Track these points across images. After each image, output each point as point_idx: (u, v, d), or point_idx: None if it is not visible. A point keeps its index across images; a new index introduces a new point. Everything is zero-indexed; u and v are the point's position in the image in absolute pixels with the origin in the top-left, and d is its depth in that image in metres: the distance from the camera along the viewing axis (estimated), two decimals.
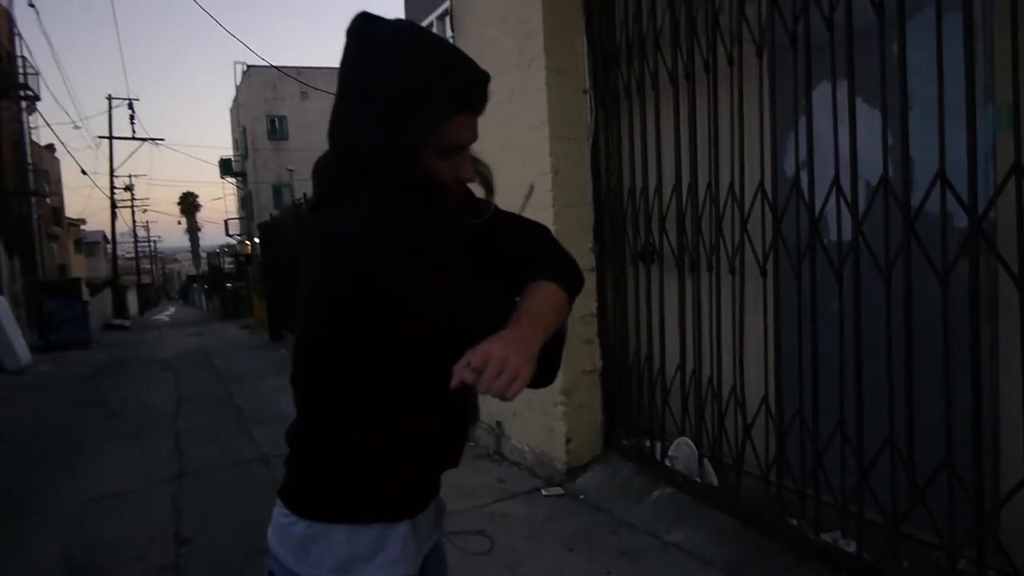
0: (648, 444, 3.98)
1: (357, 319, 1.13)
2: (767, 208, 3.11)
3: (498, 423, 5.00)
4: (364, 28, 1.17)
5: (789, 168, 3.08)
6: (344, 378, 1.20)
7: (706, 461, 3.58)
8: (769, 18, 3.03)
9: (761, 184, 3.13)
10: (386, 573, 1.24)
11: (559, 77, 4.19)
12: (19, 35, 21.35)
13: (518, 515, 3.92)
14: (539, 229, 1.41)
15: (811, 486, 2.97)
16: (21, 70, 20.89)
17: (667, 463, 3.81)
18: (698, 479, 3.60)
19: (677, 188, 3.67)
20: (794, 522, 3.05)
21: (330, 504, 1.23)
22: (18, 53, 21.07)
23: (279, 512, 1.27)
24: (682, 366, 3.72)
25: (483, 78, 1.19)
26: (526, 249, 1.34)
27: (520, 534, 3.66)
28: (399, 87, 1.12)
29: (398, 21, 1.19)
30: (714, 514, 3.38)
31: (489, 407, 5.15)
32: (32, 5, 38.73)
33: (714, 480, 3.53)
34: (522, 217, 1.45)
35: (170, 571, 3.60)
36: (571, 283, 1.31)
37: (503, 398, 1.02)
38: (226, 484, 5.01)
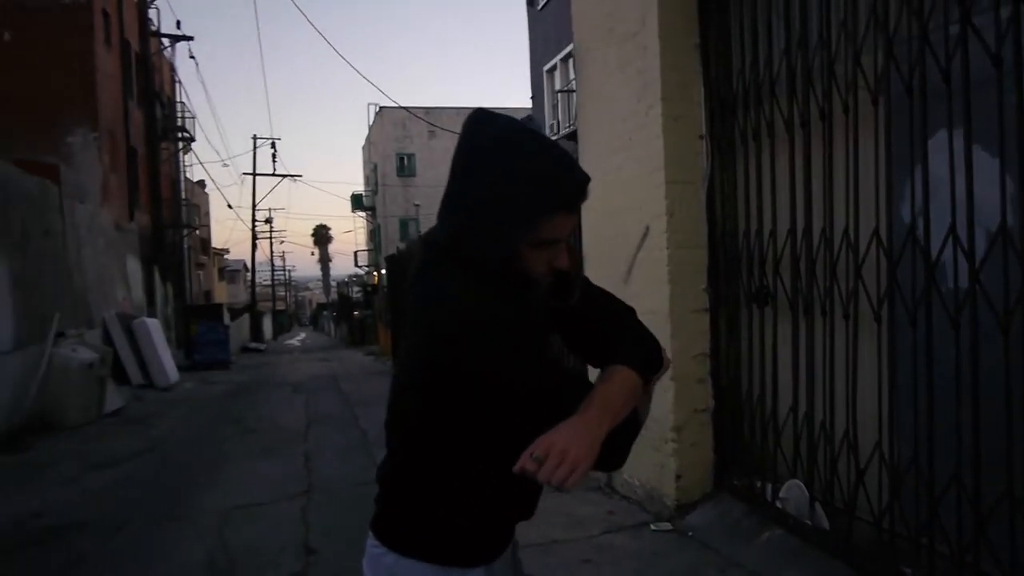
0: (759, 485, 3.99)
1: (448, 393, 1.26)
2: (882, 254, 3.13)
3: None
4: (474, 127, 1.29)
5: (905, 215, 3.09)
6: (434, 433, 1.32)
7: (817, 505, 3.57)
8: (885, 68, 3.08)
9: (876, 230, 3.15)
10: None
11: (676, 123, 4.33)
12: (179, 82, 23.41)
13: (626, 548, 4.01)
14: (624, 308, 1.50)
15: (926, 535, 2.93)
16: (180, 114, 22.88)
17: (778, 505, 3.81)
18: (809, 522, 3.59)
19: (792, 232, 3.72)
20: (908, 571, 3.01)
21: (414, 541, 1.35)
22: (178, 99, 23.10)
23: (371, 543, 1.41)
24: (795, 408, 3.73)
25: (583, 181, 1.28)
26: (609, 327, 1.44)
27: (627, 567, 3.75)
28: (491, 194, 1.24)
29: (506, 122, 1.28)
30: (824, 559, 3.37)
31: None
32: (192, 57, 42.51)
33: (825, 524, 3.51)
34: (610, 295, 1.52)
35: None
36: (649, 366, 1.38)
37: (560, 489, 1.13)
38: (350, 501, 5.34)
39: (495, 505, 1.37)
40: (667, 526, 4.24)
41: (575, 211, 1.30)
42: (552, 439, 1.15)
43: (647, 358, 1.39)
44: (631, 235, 4.70)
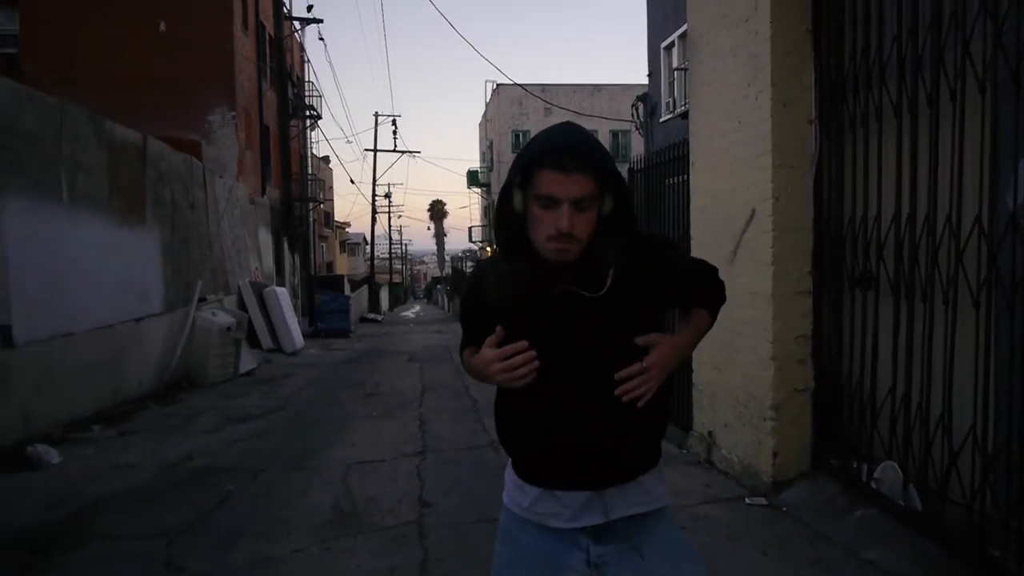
0: (855, 465, 4.08)
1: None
2: (983, 241, 3.17)
3: (710, 432, 5.26)
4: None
5: (1008, 202, 3.11)
6: None
7: (911, 486, 3.64)
8: (993, 57, 3.09)
9: (978, 218, 3.18)
10: (505, 497, 1.78)
11: (785, 108, 4.40)
12: (309, 63, 24.57)
13: (720, 518, 4.19)
14: (705, 269, 1.84)
15: (1016, 519, 2.99)
16: (308, 93, 24.03)
17: (872, 485, 3.89)
18: (902, 503, 3.67)
19: (896, 217, 3.76)
20: (997, 554, 3.08)
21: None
22: (307, 79, 24.26)
23: None
24: (892, 390, 3.79)
25: (563, 144, 1.52)
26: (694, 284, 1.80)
27: (719, 534, 3.94)
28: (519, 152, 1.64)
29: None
30: (915, 538, 3.46)
31: (702, 417, 5.42)
32: (321, 39, 44.29)
33: (918, 505, 3.58)
34: (687, 268, 1.82)
35: (415, 526, 4.30)
36: (716, 306, 1.82)
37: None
38: (462, 462, 5.73)
39: (516, 433, 1.70)
40: (762, 501, 4.38)
41: (566, 172, 1.50)
42: (658, 358, 1.61)
43: (717, 300, 1.82)
44: (738, 217, 4.81)
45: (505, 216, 1.62)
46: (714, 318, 1.81)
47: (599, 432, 1.60)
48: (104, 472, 5.62)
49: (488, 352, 1.63)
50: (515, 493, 1.74)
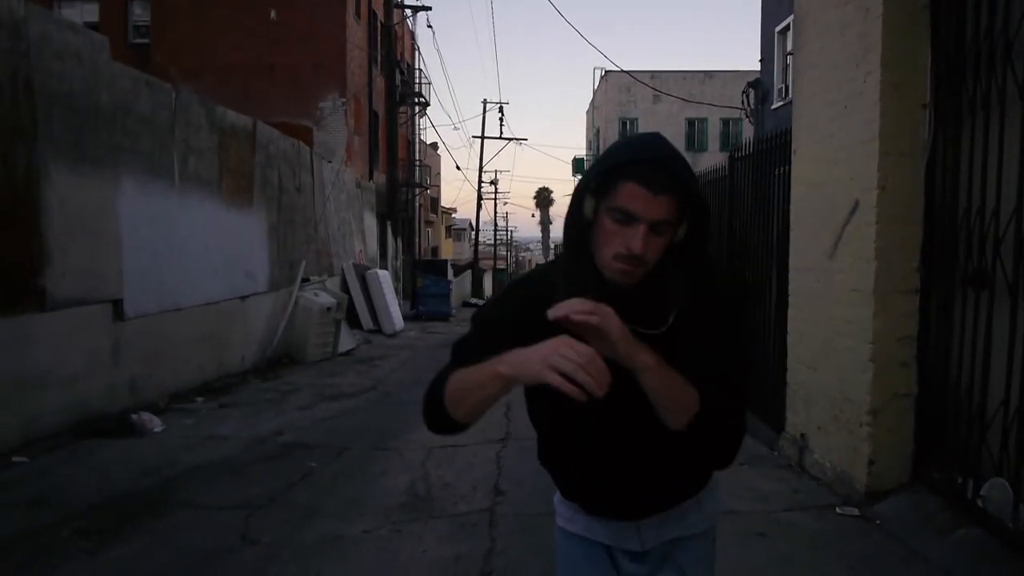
0: (960, 480, 3.74)
1: None
2: None
3: (802, 435, 4.98)
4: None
5: None
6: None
7: (1022, 506, 3.30)
8: None
9: None
10: (557, 509, 1.67)
11: (896, 91, 4.07)
12: (418, 50, 24.95)
13: (807, 526, 3.94)
14: (728, 366, 1.45)
15: None
16: (417, 80, 24.42)
17: (978, 503, 3.56)
18: (1011, 524, 3.33)
19: (1018, 210, 3.40)
20: None
21: None
22: (416, 66, 24.65)
23: None
24: (1006, 401, 3.44)
25: (646, 157, 1.32)
26: (704, 372, 1.38)
27: (803, 544, 3.70)
28: (601, 154, 1.43)
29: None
30: (1023, 562, 3.13)
31: (795, 419, 5.13)
32: (430, 26, 44.93)
33: None
34: (731, 343, 1.48)
35: (486, 514, 4.25)
36: (713, 423, 1.38)
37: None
38: None
39: (551, 457, 1.60)
40: (854, 511, 4.10)
41: (652, 190, 1.31)
42: (617, 325, 1.26)
43: (718, 420, 1.40)
44: (840, 208, 4.50)
45: (575, 219, 1.42)
46: (702, 416, 1.36)
47: (635, 472, 1.49)
48: (200, 443, 5.86)
49: (584, 348, 1.22)
50: (560, 507, 1.67)
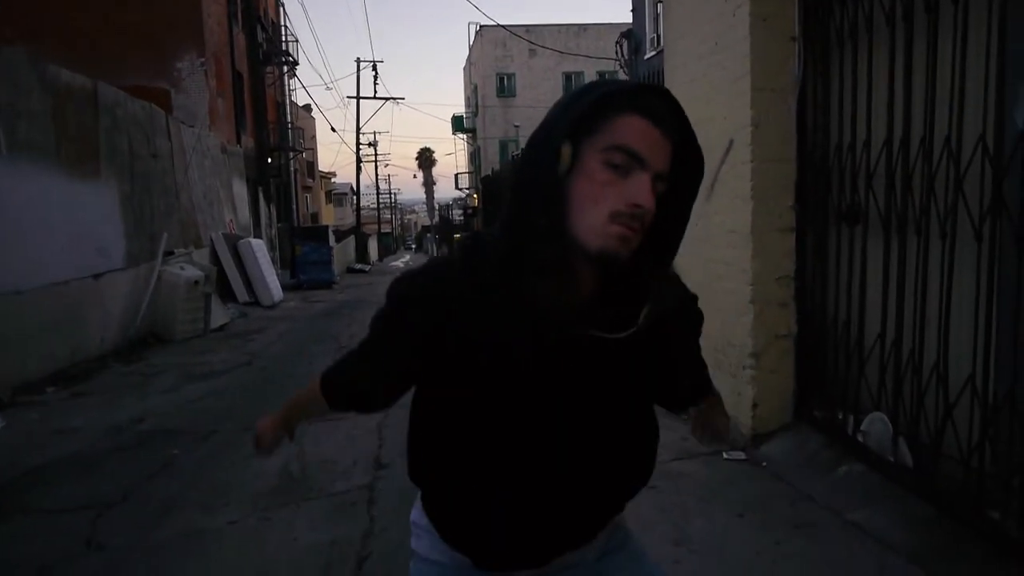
0: (840, 416, 3.74)
1: None
2: (987, 165, 2.77)
3: None
4: None
5: (1018, 120, 2.70)
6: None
7: (901, 440, 3.31)
8: None
9: (983, 137, 2.78)
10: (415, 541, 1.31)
11: (765, 24, 3.95)
12: (282, 6, 23.65)
13: (695, 475, 3.87)
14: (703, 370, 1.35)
15: (1018, 477, 2.66)
16: (283, 38, 23.17)
17: (859, 438, 3.56)
18: (891, 458, 3.34)
19: (888, 142, 3.35)
20: (995, 515, 2.75)
21: None
22: (282, 23, 23.37)
23: None
24: (882, 336, 3.43)
25: (658, 88, 1.06)
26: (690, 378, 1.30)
27: (693, 494, 3.62)
28: (560, 101, 1.08)
29: None
30: (905, 497, 3.13)
31: None
32: None
33: (909, 461, 3.25)
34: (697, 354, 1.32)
35: (366, 491, 3.97)
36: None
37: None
38: None
39: (452, 483, 1.21)
40: (740, 455, 4.06)
41: (661, 126, 1.01)
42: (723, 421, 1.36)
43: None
44: (715, 149, 4.39)
45: (538, 181, 1.03)
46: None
47: (569, 511, 1.17)
48: (47, 438, 5.27)
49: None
50: (431, 544, 1.28)
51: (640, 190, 1.00)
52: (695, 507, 3.47)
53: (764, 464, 3.91)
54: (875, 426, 3.47)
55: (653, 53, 15.57)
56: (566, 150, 1.01)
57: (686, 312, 1.22)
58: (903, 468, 3.26)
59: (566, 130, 1.01)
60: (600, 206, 1.01)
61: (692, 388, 1.31)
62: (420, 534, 1.29)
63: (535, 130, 1.08)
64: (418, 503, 1.30)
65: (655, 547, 3.07)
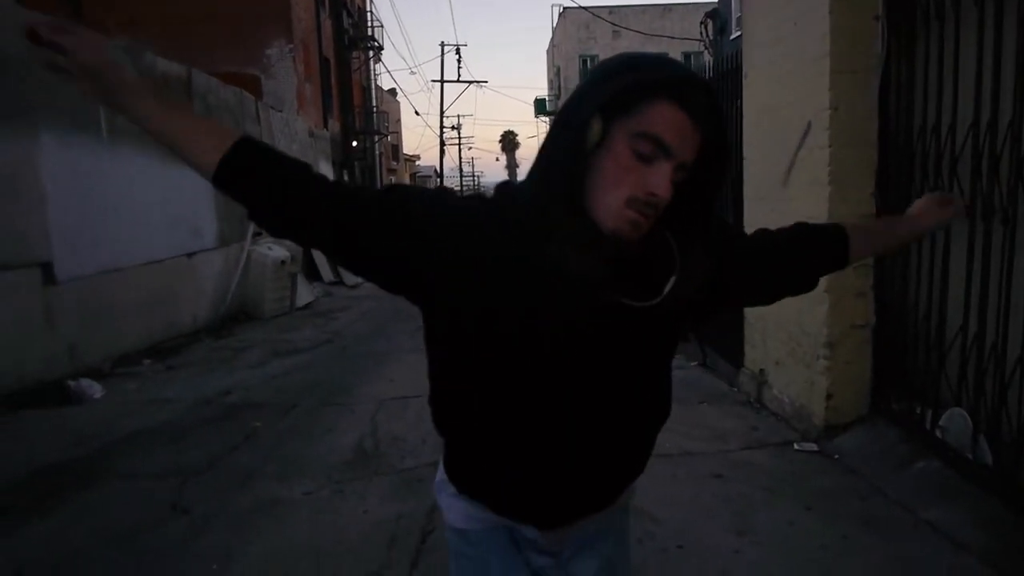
0: (919, 411, 3.62)
1: None
2: None
3: (761, 371, 4.84)
4: None
5: None
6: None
7: (981, 437, 3.18)
8: None
9: None
10: (443, 505, 1.36)
11: (846, 3, 3.81)
12: None
13: (763, 466, 3.82)
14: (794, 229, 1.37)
15: None
16: (369, 24, 23.59)
17: (937, 434, 3.44)
18: (970, 456, 3.21)
19: (975, 125, 3.20)
20: None
21: None
22: (367, 8, 23.79)
23: None
24: (964, 327, 3.30)
25: (697, 79, 1.05)
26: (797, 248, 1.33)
27: (760, 485, 3.57)
28: (601, 68, 1.08)
29: None
30: (982, 496, 3.01)
31: (753, 354, 4.99)
32: None
33: (988, 459, 3.13)
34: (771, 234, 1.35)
35: (432, 468, 4.03)
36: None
37: None
38: None
39: (469, 438, 1.24)
40: (812, 447, 3.98)
41: (694, 117, 1.02)
42: None
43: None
44: (792, 132, 4.28)
45: (565, 149, 1.04)
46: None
47: (582, 481, 1.20)
48: (141, 407, 5.60)
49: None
50: (453, 503, 1.33)
51: (660, 180, 1.02)
52: (761, 498, 3.42)
53: (836, 457, 3.82)
54: (954, 422, 3.35)
55: (738, 33, 15.16)
56: (596, 125, 1.02)
57: (727, 251, 1.22)
58: (982, 467, 3.13)
59: (600, 104, 1.02)
60: (620, 190, 1.03)
61: (816, 248, 1.36)
62: (451, 504, 1.33)
63: (571, 94, 1.09)
64: (440, 466, 1.34)
65: (716, 536, 3.07)
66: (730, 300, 1.27)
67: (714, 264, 1.15)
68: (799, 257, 1.32)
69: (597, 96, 1.02)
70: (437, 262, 1.08)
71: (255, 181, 1.11)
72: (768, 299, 1.35)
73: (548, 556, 1.31)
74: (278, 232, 1.14)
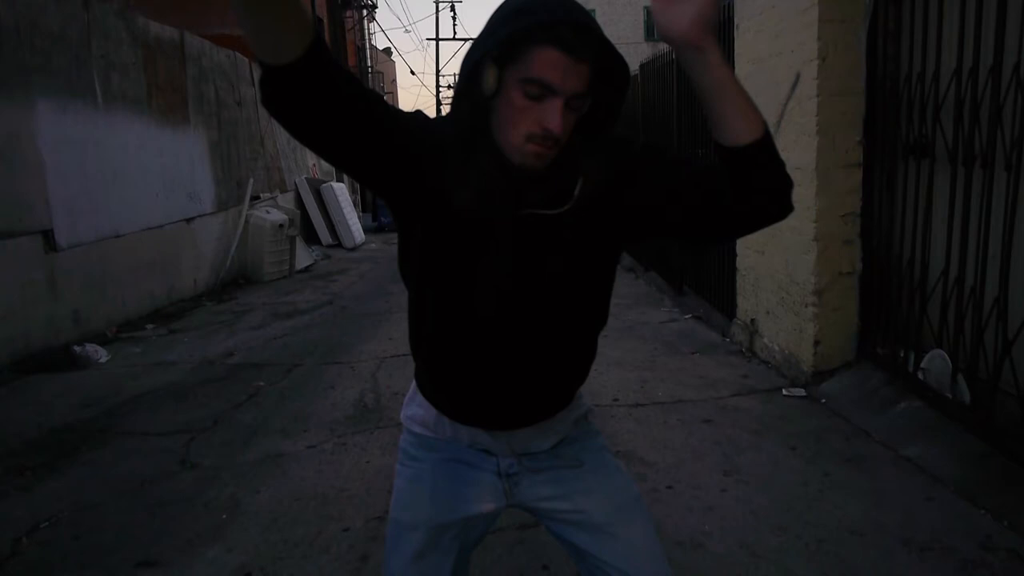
0: (902, 354, 3.72)
1: None
2: None
3: (752, 320, 4.94)
4: None
5: None
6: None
7: (960, 376, 3.28)
8: None
9: None
10: (404, 412, 1.53)
11: None
12: None
13: (751, 411, 3.93)
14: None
15: None
16: None
17: (919, 376, 3.55)
18: (949, 395, 3.32)
19: (957, 71, 3.25)
20: None
21: None
22: None
23: None
24: (945, 272, 3.38)
25: (565, 17, 1.11)
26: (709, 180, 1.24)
27: (747, 428, 3.69)
28: (494, 16, 1.18)
29: None
30: (960, 433, 3.13)
31: (745, 304, 5.08)
32: None
33: (966, 398, 3.23)
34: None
35: None
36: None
37: None
38: None
39: (425, 351, 1.41)
40: (800, 392, 4.09)
41: (575, 56, 1.11)
42: None
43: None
44: (782, 83, 4.32)
45: (468, 99, 1.18)
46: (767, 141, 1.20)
47: (524, 382, 1.34)
48: (146, 370, 5.71)
49: None
50: (414, 408, 1.50)
51: (552, 116, 1.13)
52: (748, 440, 3.54)
53: (823, 401, 3.93)
54: (935, 363, 3.45)
55: None
56: (491, 74, 1.14)
57: (633, 163, 1.27)
58: (960, 405, 3.24)
59: (492, 54, 1.14)
60: (518, 128, 1.16)
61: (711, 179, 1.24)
62: (408, 399, 1.53)
63: (474, 41, 1.20)
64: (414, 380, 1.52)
65: (704, 476, 3.19)
66: (653, 218, 1.28)
67: (614, 167, 1.25)
68: (703, 174, 1.26)
69: (488, 45, 1.14)
70: (417, 150, 1.20)
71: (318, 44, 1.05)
72: (691, 224, 1.28)
73: (506, 478, 1.43)
74: (332, 106, 1.08)
